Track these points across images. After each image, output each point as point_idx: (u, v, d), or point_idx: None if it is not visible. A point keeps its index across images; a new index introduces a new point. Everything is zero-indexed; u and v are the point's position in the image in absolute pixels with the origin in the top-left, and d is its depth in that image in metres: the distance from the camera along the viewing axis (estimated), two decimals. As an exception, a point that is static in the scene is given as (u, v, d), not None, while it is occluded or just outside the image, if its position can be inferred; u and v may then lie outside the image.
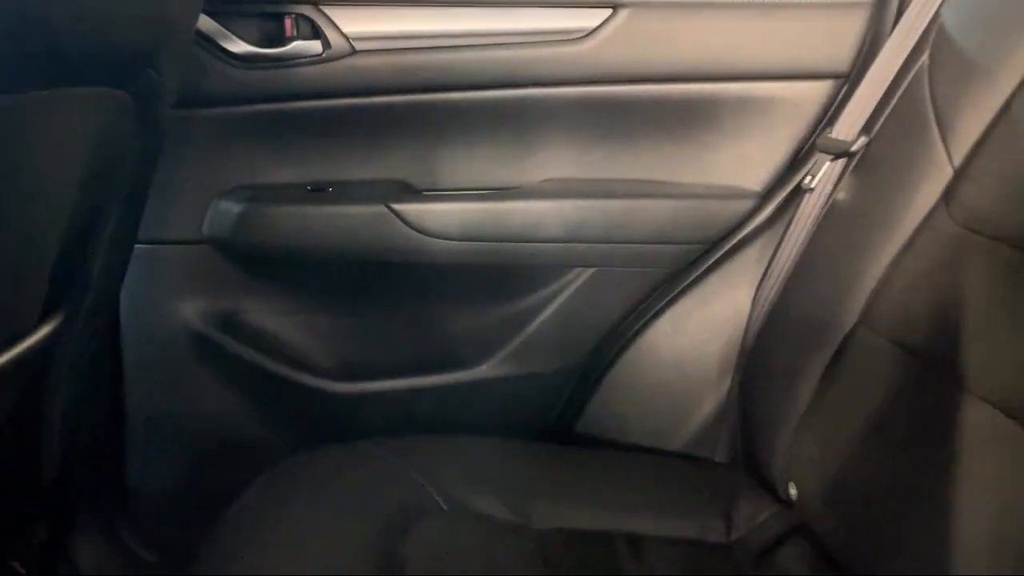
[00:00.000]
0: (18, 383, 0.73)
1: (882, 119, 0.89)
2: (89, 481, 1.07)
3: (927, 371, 0.73)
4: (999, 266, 0.70)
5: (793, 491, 0.86)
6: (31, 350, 0.69)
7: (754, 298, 1.01)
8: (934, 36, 0.85)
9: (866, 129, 0.90)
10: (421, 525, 0.82)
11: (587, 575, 0.81)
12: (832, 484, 0.80)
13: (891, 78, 0.89)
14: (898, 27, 0.90)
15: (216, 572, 0.73)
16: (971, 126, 0.78)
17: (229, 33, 0.95)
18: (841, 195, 0.91)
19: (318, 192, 1.02)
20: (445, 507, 0.86)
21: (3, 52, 0.53)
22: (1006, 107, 0.75)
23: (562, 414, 1.11)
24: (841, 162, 0.92)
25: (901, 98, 0.87)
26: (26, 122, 0.60)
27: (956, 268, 0.74)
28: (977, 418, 0.65)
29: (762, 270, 1.01)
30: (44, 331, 0.71)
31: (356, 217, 1.02)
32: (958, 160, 0.78)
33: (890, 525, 0.70)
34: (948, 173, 0.79)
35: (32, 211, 0.67)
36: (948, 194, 0.78)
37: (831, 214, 0.92)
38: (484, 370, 1.07)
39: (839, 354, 0.84)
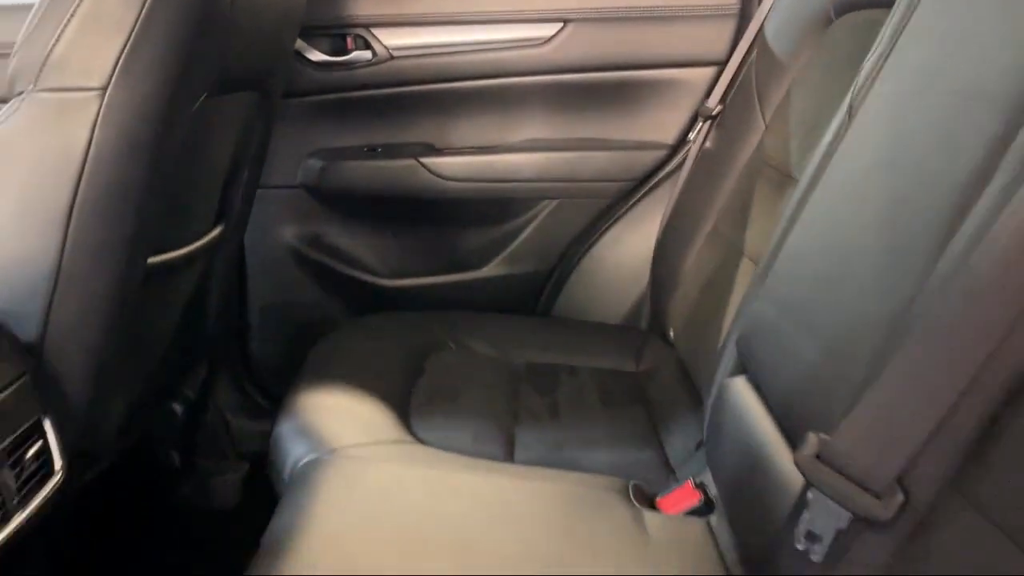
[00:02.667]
0: (200, 265, 1.25)
1: (732, 93, 1.35)
2: (225, 348, 1.60)
3: (732, 248, 1.20)
4: (770, 184, 1.16)
5: (671, 334, 1.34)
6: (209, 242, 1.21)
7: (663, 217, 1.48)
8: (760, 39, 1.30)
9: (723, 100, 1.36)
10: (436, 354, 1.32)
11: (538, 386, 1.30)
12: (685, 324, 1.28)
13: (737, 65, 1.34)
14: (746, 32, 1.36)
15: (306, 385, 1.23)
16: (774, 98, 1.24)
17: (311, 47, 1.45)
18: (707, 145, 1.37)
19: (372, 151, 1.53)
20: (452, 346, 1.36)
21: (211, 80, 1.03)
22: (791, 86, 1.21)
23: (542, 302, 1.60)
24: (709, 123, 1.38)
25: (741, 79, 1.33)
26: (210, 113, 1.11)
27: (754, 187, 1.20)
28: (744, 269, 1.13)
29: (670, 198, 1.48)
30: (215, 232, 1.23)
31: (396, 168, 1.52)
32: (767, 120, 1.24)
33: (700, 339, 1.18)
34: (762, 128, 1.25)
35: (207, 163, 1.19)
36: (760, 143, 1.25)
37: (702, 159, 1.38)
38: (485, 271, 1.57)
39: (700, 247, 1.31)
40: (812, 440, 0.63)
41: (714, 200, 1.30)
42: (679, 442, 1.12)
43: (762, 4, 1.34)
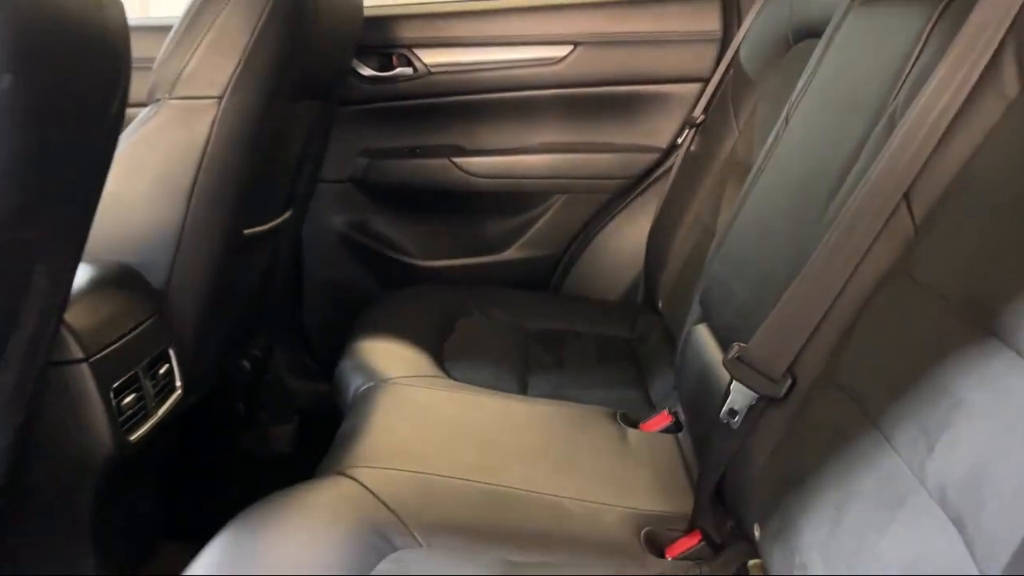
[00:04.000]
0: (273, 242, 1.53)
1: (712, 105, 1.61)
2: (284, 318, 1.88)
3: (707, 232, 1.46)
4: (739, 179, 1.42)
5: (660, 304, 1.60)
6: (281, 223, 1.49)
7: (656, 209, 1.75)
8: (735, 60, 1.57)
9: (705, 110, 1.63)
10: (463, 319, 1.59)
11: (547, 346, 1.56)
12: (670, 297, 1.54)
13: (717, 81, 1.61)
14: (724, 55, 1.62)
15: (361, 335, 1.50)
16: (745, 109, 1.50)
17: (362, 64, 1.74)
18: (692, 148, 1.64)
19: (411, 152, 1.81)
20: (476, 314, 1.63)
21: (293, 91, 1.31)
22: (757, 100, 1.48)
23: (553, 281, 1.87)
24: (694, 129, 1.65)
25: (720, 94, 1.59)
26: (287, 117, 1.39)
27: (727, 182, 1.47)
28: (708, 242, 1.39)
29: (662, 193, 1.75)
30: (286, 215, 1.51)
31: (431, 166, 1.80)
32: (739, 127, 1.51)
33: (680, 307, 1.44)
34: (735, 134, 1.52)
35: (283, 158, 1.47)
36: (733, 146, 1.51)
37: (687, 159, 1.65)
38: (505, 254, 1.84)
39: (684, 233, 1.57)
40: (735, 348, 0.89)
41: (696, 194, 1.57)
42: (660, 386, 1.39)
43: (738, 31, 1.61)
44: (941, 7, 0.85)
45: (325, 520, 0.90)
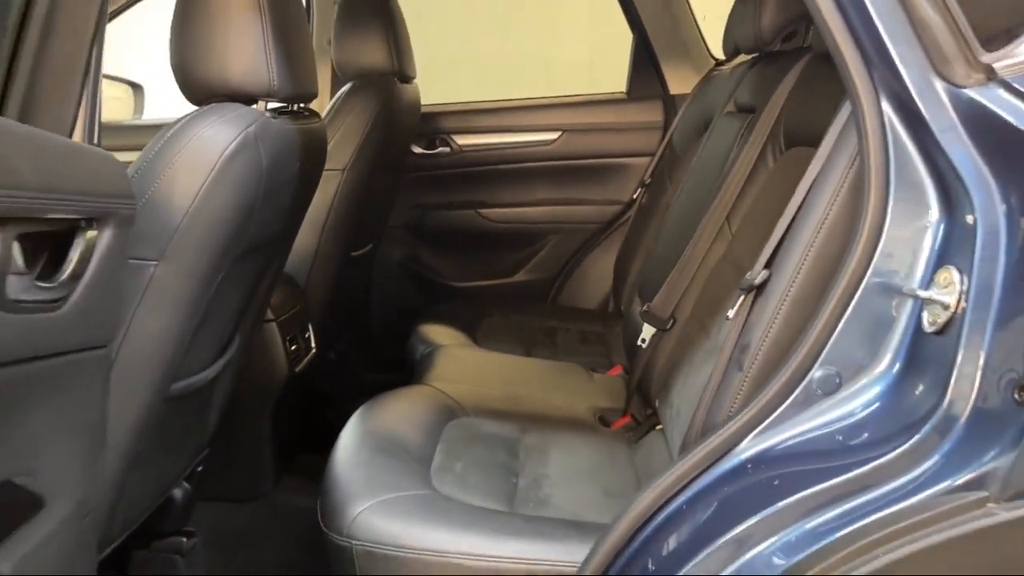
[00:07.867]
0: (361, 264, 2.25)
1: (656, 172, 2.37)
2: (356, 324, 2.60)
3: (649, 257, 2.19)
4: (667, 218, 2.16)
5: (622, 308, 2.32)
6: (368, 251, 2.23)
7: (621, 244, 2.49)
8: (670, 142, 2.33)
9: (652, 175, 2.38)
10: (486, 320, 2.31)
11: (546, 335, 2.27)
12: (627, 302, 2.26)
13: (659, 156, 2.37)
14: (664, 138, 2.39)
15: (422, 325, 2.22)
16: (676, 176, 2.25)
17: (416, 145, 2.50)
18: (643, 202, 2.38)
19: (449, 205, 2.56)
20: (496, 316, 2.35)
21: (385, 164, 2.05)
22: (683, 168, 2.23)
23: (551, 296, 2.60)
24: (644, 188, 2.40)
25: (660, 164, 2.35)
26: (378, 181, 2.13)
27: (663, 223, 2.20)
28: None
29: (624, 233, 2.49)
30: (369, 247, 2.25)
31: (463, 215, 2.55)
32: (671, 186, 2.26)
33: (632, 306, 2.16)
34: (668, 191, 2.26)
35: (371, 209, 2.21)
36: (667, 200, 2.26)
37: (640, 209, 2.39)
38: (516, 277, 2.58)
39: (638, 259, 2.31)
40: (644, 306, 1.61)
41: (646, 232, 2.30)
42: (617, 356, 2.10)
43: (673, 122, 2.37)
44: (747, 121, 1.60)
45: (417, 402, 1.61)
